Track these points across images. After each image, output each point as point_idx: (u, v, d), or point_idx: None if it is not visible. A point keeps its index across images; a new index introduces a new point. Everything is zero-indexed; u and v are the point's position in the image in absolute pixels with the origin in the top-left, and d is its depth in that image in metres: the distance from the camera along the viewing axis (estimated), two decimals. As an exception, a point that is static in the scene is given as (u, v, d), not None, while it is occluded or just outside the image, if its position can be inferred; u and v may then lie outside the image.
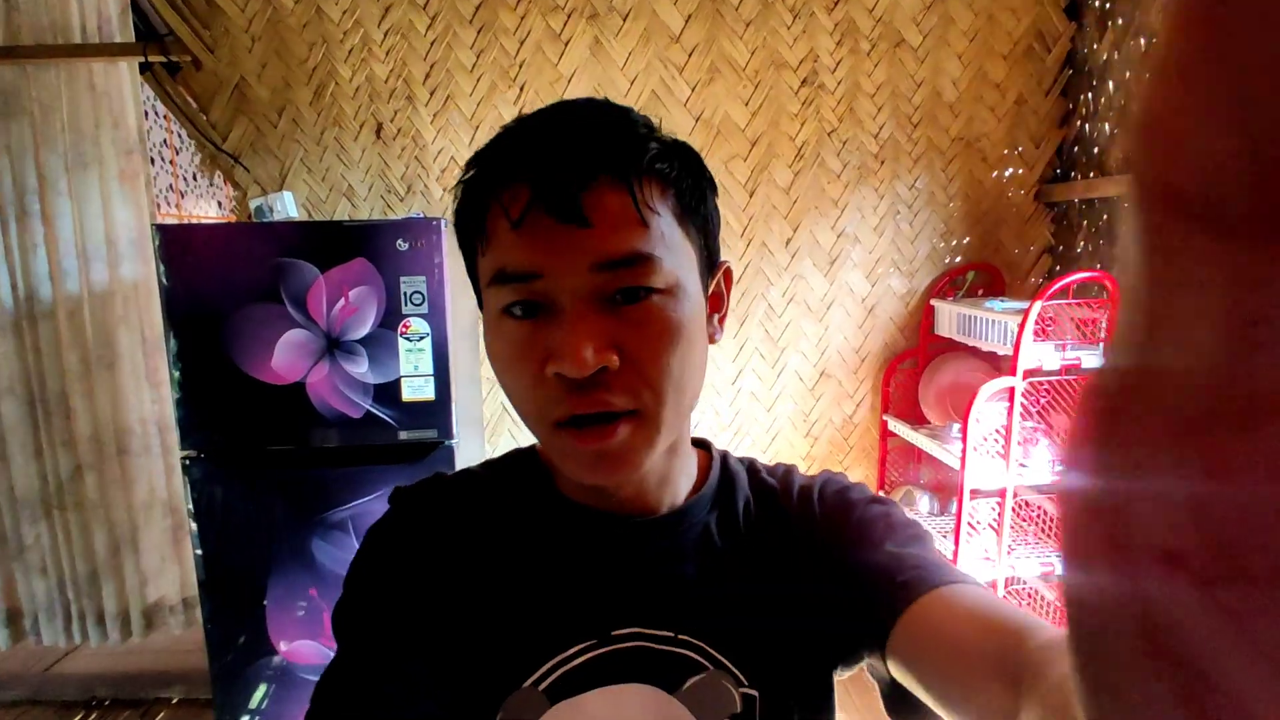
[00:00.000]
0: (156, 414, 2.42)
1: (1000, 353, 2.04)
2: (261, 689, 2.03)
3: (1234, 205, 0.12)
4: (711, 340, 0.58)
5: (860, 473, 2.62)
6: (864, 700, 2.21)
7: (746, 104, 2.38)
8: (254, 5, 2.27)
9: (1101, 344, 1.92)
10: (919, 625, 0.50)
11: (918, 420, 2.41)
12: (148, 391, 2.40)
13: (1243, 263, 0.12)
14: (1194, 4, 0.13)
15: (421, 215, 2.14)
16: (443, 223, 1.87)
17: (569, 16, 2.31)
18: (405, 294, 1.86)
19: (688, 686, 0.54)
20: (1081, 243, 2.33)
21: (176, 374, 1.88)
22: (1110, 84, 2.21)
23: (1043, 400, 1.98)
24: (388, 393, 1.90)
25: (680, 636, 0.55)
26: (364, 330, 1.87)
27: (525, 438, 2.36)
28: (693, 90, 2.37)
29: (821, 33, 2.34)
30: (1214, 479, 0.13)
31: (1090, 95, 2.30)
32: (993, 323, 2.06)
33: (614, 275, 0.48)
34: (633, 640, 0.54)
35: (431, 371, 1.90)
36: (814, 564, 0.58)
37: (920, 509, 2.32)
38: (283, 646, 2.01)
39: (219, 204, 4.64)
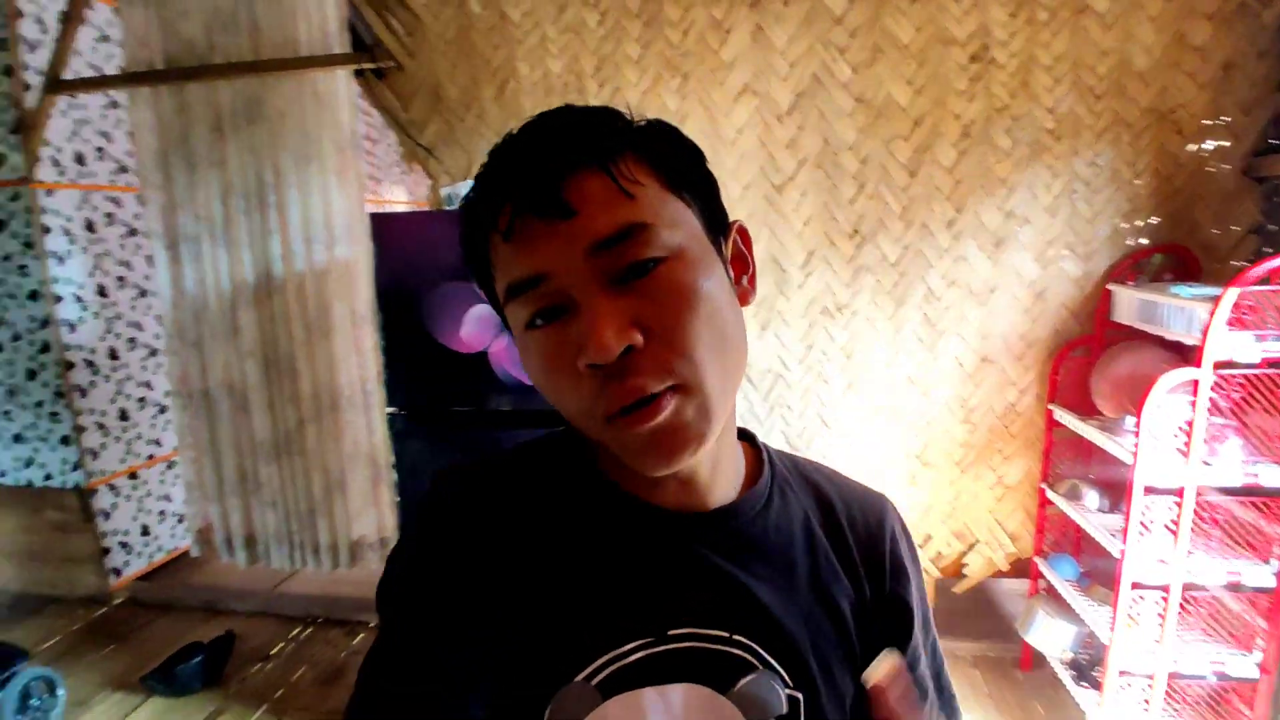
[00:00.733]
0: (361, 377, 2.79)
1: (1187, 342, 1.87)
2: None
3: None
4: (744, 302, 0.56)
5: (1022, 464, 2.52)
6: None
7: (910, 83, 2.33)
8: (447, 13, 2.54)
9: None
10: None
11: (1087, 411, 2.27)
12: (355, 358, 2.77)
13: None
14: None
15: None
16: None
17: (731, 5, 2.38)
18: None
19: (739, 687, 0.53)
20: (1297, 222, 2.10)
21: (382, 342, 2.18)
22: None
23: (1235, 395, 1.82)
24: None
25: (734, 637, 0.54)
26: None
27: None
28: (854, 71, 2.36)
29: (994, 5, 2.24)
30: None
31: (1317, 56, 2.05)
32: (1179, 309, 1.90)
33: (613, 253, 0.48)
34: (688, 640, 0.54)
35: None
36: (859, 588, 0.61)
37: (1088, 504, 2.19)
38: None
39: (408, 191, 5.15)
